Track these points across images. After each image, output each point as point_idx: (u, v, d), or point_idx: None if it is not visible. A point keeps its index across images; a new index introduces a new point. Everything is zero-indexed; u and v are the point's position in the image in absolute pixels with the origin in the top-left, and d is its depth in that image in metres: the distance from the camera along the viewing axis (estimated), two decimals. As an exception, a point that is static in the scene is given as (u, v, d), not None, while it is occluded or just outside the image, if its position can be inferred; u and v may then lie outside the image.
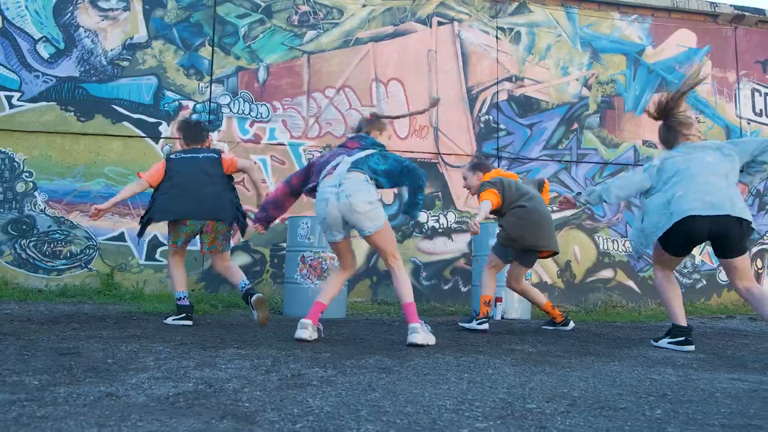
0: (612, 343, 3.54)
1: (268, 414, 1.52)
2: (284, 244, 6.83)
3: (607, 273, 7.66)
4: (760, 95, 8.22)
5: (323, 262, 5.50)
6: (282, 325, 4.17)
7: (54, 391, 1.71)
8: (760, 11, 8.18)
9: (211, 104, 7.00)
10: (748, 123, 8.15)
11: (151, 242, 6.76)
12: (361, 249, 7.07)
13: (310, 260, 5.49)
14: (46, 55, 6.80)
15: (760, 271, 7.97)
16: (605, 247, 7.65)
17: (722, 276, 7.86)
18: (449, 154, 7.41)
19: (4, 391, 1.70)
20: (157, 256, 6.77)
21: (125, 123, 6.86)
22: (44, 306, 5.03)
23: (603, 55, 7.87)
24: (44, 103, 6.74)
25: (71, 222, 6.65)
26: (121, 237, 6.74)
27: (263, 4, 7.20)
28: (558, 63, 7.76)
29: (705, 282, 7.82)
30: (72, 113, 6.80)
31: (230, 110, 7.01)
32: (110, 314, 4.46)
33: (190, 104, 7.02)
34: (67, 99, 6.81)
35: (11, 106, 6.70)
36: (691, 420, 1.64)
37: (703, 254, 7.85)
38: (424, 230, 7.27)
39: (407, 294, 3.24)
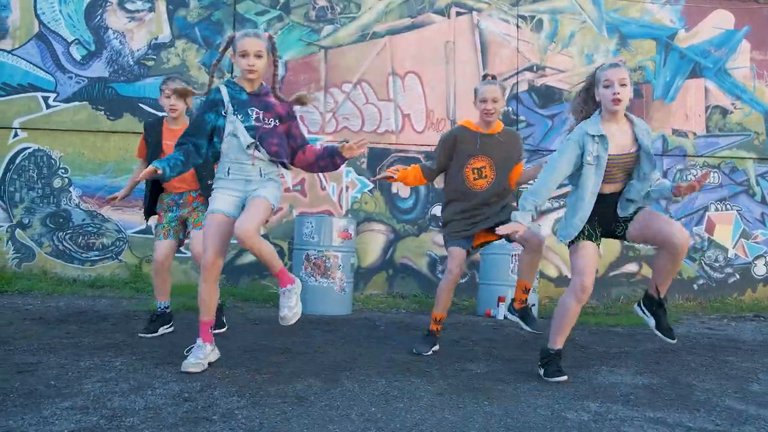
0: (575, 360, 3.52)
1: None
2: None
3: (631, 267, 7.47)
4: (807, 79, 7.69)
5: (327, 261, 5.65)
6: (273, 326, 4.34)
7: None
8: (808, -12, 7.62)
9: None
10: (791, 108, 7.66)
11: (176, 235, 7.08)
12: (377, 242, 7.19)
13: (315, 258, 5.65)
14: (78, 57, 7.16)
15: None
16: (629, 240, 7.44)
17: (757, 270, 7.53)
18: (467, 147, 7.34)
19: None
20: (182, 248, 7.09)
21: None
22: (65, 301, 5.42)
23: (631, 41, 7.55)
24: (77, 103, 7.12)
25: (102, 216, 7.06)
26: (148, 230, 7.10)
27: (282, 1, 7.30)
28: (582, 50, 7.51)
29: (738, 276, 7.50)
30: (102, 112, 7.16)
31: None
32: (115, 313, 4.78)
33: (212, 101, 7.24)
34: (98, 98, 7.17)
35: (48, 106, 7.12)
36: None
37: (737, 247, 7.52)
38: (440, 224, 7.27)
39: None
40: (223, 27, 7.25)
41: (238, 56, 2.95)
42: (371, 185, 7.23)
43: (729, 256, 7.54)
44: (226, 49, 3.02)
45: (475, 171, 3.62)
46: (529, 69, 7.47)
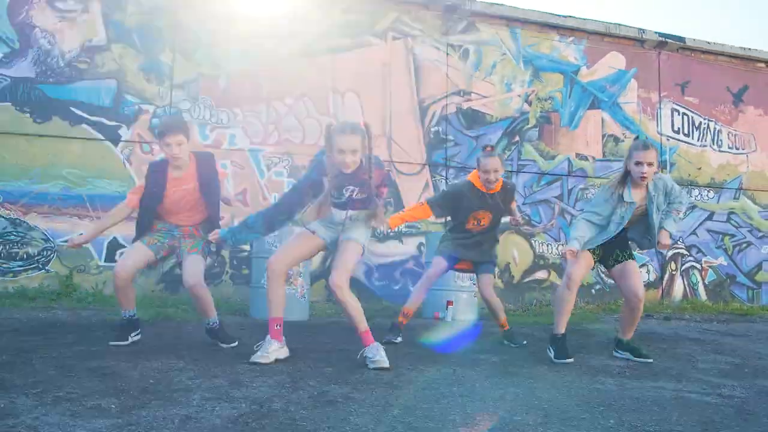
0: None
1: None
2: (245, 247, 7.11)
3: (541, 274, 8.38)
4: (678, 114, 9.14)
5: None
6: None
7: (139, 415, 2.05)
8: (681, 39, 9.07)
9: (172, 109, 7.14)
10: (667, 139, 9.06)
11: (110, 244, 6.87)
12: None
13: (277, 267, 5.82)
14: None
15: (673, 273, 8.93)
16: (540, 251, 8.37)
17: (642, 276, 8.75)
18: (402, 162, 7.87)
19: (96, 416, 2.03)
20: (117, 257, 6.89)
21: (84, 125, 6.90)
22: (19, 312, 5.14)
23: (543, 74, 8.53)
24: (-2, 103, 6.69)
25: (27, 224, 6.66)
26: (79, 239, 6.81)
27: (224, 12, 7.38)
28: (502, 79, 8.36)
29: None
30: (28, 114, 6.78)
31: (191, 116, 7.17)
32: (94, 323, 4.67)
33: (151, 109, 7.13)
34: (23, 100, 6.78)
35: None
36: (633, 427, 2.17)
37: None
38: (376, 234, 7.72)
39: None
40: (163, 34, 7.18)
41: (336, 152, 3.16)
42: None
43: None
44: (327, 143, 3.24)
45: (476, 219, 4.38)
46: (457, 93, 8.17)
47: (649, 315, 7.36)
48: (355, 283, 7.53)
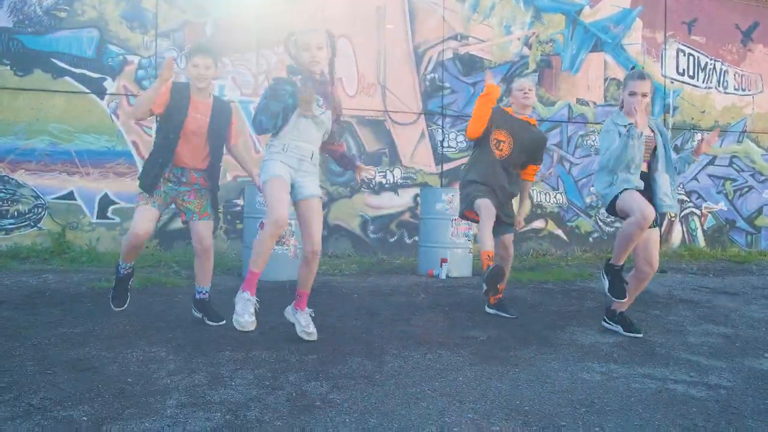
0: (547, 322, 4.09)
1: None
2: (239, 202, 7.04)
3: (539, 224, 8.31)
4: (684, 55, 8.80)
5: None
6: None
7: None
8: (690, -25, 8.61)
9: (157, 59, 6.88)
10: (672, 82, 8.76)
11: (102, 200, 6.79)
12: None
13: (268, 226, 5.75)
14: (-26, 4, 6.44)
15: (672, 219, 8.84)
16: (538, 200, 8.26)
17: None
18: (396, 112, 7.66)
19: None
20: (109, 214, 6.83)
21: (67, 78, 6.69)
22: (6, 278, 5.12)
23: (544, 15, 8.16)
24: (-24, 56, 6.45)
25: (16, 181, 6.56)
26: (70, 195, 6.74)
27: (209, -46, 6.98)
28: (501, 21, 7.99)
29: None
30: (8, 67, 6.55)
31: (177, 66, 6.91)
32: (83, 292, 4.65)
33: (135, 59, 6.88)
34: (2, 52, 6.53)
35: None
36: (615, 433, 2.16)
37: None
38: (371, 186, 7.60)
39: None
40: (145, -22, 6.82)
41: (302, 50, 3.07)
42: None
43: (617, 211, 8.64)
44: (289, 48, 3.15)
45: (497, 141, 4.17)
46: (454, 38, 7.84)
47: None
48: (350, 236, 7.51)
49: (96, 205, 6.79)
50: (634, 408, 2.45)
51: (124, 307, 3.82)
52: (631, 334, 3.71)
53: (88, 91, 6.76)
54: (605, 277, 3.68)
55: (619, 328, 3.77)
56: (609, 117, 3.76)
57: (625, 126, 3.55)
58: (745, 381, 2.88)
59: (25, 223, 6.62)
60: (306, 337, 3.29)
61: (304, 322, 3.33)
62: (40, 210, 6.66)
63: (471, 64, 7.91)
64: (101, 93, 6.81)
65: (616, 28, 8.42)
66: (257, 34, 7.13)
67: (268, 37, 7.15)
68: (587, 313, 4.45)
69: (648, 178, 3.64)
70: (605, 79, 8.44)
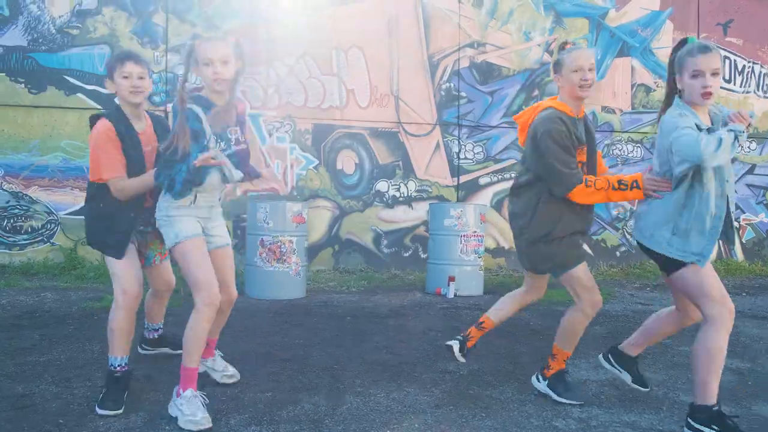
0: (542, 352, 3.80)
1: None
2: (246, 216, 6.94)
3: (562, 237, 7.93)
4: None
5: (282, 246, 5.65)
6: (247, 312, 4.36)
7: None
8: (725, -27, 8.12)
9: (168, 74, 6.88)
10: (706, 87, 8.25)
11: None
12: (323, 218, 7.23)
13: (270, 244, 5.63)
14: (-10, 23, 6.56)
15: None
16: (561, 213, 7.89)
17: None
18: (410, 123, 7.45)
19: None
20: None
21: (79, 95, 6.74)
22: (6, 297, 5.14)
23: (566, 19, 7.81)
24: (-8, 74, 6.57)
25: (30, 197, 6.65)
26: (82, 211, 6.77)
27: (219, -33, 6.95)
28: (520, 28, 7.69)
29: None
30: (22, 85, 6.65)
31: (187, 81, 6.86)
32: (72, 313, 4.61)
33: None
34: (17, 70, 6.63)
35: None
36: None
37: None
38: (384, 199, 7.41)
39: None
40: (155, -6, 6.83)
41: (202, 66, 2.53)
42: (316, 161, 7.21)
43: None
44: (189, 59, 2.57)
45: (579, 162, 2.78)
46: (470, 45, 7.58)
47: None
48: (362, 250, 7.33)
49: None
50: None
51: (119, 410, 2.64)
52: (637, 386, 2.90)
53: (99, 107, 6.78)
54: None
55: (626, 376, 2.90)
56: (667, 115, 2.53)
57: (702, 129, 2.40)
58: (746, 433, 2.56)
59: (39, 238, 6.69)
60: (228, 381, 2.98)
61: (220, 368, 3.01)
62: (53, 226, 6.72)
63: (488, 73, 7.63)
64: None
65: (644, 31, 8.00)
66: (267, 46, 7.04)
67: (279, 49, 7.06)
68: (589, 341, 4.12)
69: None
70: (632, 86, 8.02)
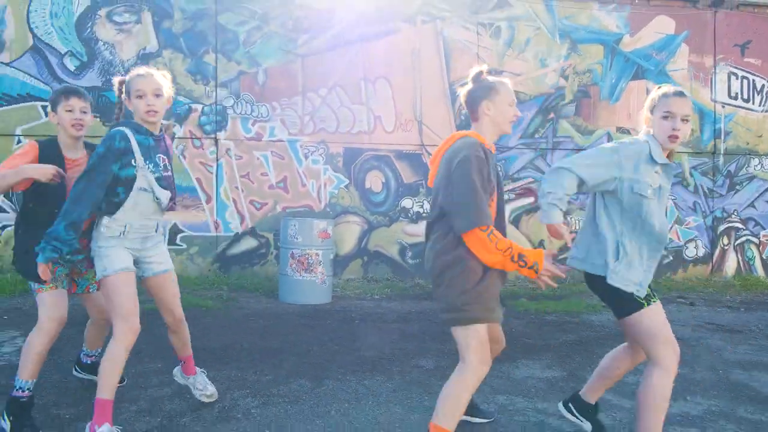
0: (503, 354, 4.40)
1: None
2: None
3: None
4: (737, 78, 8.57)
5: (309, 258, 6.49)
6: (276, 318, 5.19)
7: None
8: (741, -6, 8.42)
9: (218, 106, 7.88)
10: (723, 107, 8.56)
11: (171, 229, 7.85)
12: (353, 233, 8.03)
13: (299, 256, 6.49)
14: (72, 68, 7.75)
15: (725, 248, 8.59)
16: (577, 228, 8.39)
17: (688, 252, 8.54)
18: (432, 145, 8.15)
19: None
20: (177, 240, 7.88)
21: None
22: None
23: (581, 46, 8.33)
24: (73, 110, 7.74)
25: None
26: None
27: (261, 12, 7.91)
28: (536, 55, 8.27)
29: (672, 258, 8.51)
30: (98, 119, 7.79)
31: (234, 111, 7.86)
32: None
33: (199, 107, 7.92)
34: (94, 107, 7.77)
35: (47, 114, 7.71)
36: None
37: (671, 232, 8.51)
38: (409, 215, 8.14)
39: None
40: (206, 37, 7.86)
41: (134, 98, 2.70)
42: (346, 181, 8.03)
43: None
44: (120, 92, 2.79)
45: None
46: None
47: (682, 297, 7.26)
48: (389, 261, 8.08)
49: (166, 233, 7.87)
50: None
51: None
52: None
53: (160, 136, 7.86)
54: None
55: (588, 427, 2.89)
56: (635, 142, 2.60)
57: (660, 164, 2.54)
58: None
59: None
60: (206, 400, 3.11)
61: (200, 386, 3.12)
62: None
63: (506, 98, 8.23)
64: (171, 139, 7.90)
65: (659, 54, 8.40)
66: (302, 79, 7.94)
67: (312, 81, 7.94)
68: (556, 348, 4.66)
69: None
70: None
